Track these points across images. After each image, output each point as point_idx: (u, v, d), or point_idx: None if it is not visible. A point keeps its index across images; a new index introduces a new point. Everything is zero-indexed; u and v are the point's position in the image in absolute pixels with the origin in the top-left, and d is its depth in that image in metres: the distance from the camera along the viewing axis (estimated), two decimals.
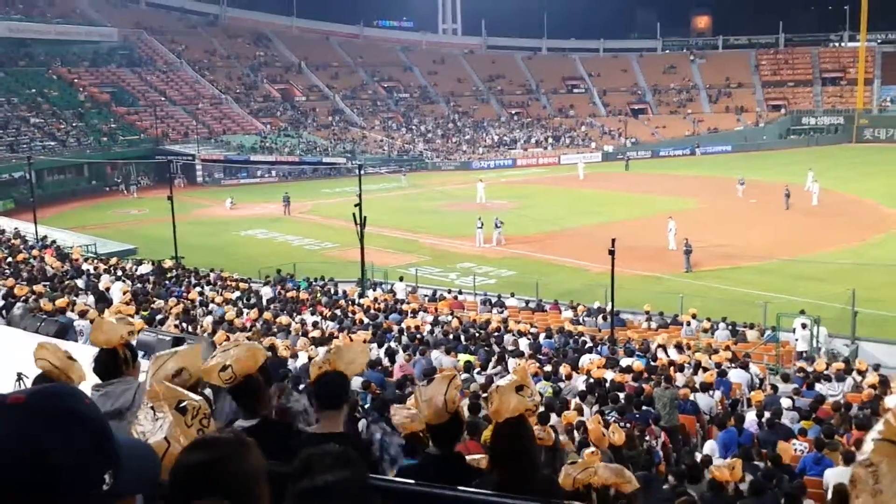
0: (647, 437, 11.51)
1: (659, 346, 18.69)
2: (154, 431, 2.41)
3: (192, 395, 2.67)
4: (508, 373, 14.14)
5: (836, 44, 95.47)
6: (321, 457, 2.22)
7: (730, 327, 21.74)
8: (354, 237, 27.48)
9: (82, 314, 14.69)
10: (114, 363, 4.27)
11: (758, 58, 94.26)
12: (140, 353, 4.84)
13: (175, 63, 79.72)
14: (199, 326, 16.87)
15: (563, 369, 14.75)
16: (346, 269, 29.95)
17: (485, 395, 8.95)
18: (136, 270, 25.82)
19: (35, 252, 26.55)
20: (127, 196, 56.69)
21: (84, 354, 5.01)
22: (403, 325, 19.44)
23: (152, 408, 2.51)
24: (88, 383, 4.49)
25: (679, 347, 18.83)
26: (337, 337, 16.42)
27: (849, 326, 22.25)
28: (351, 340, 16.24)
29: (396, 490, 2.73)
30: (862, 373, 16.74)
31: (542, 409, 11.41)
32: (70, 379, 4.34)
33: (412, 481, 3.18)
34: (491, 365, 14.85)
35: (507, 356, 15.72)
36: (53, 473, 1.40)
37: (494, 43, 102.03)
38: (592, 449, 5.65)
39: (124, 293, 19.43)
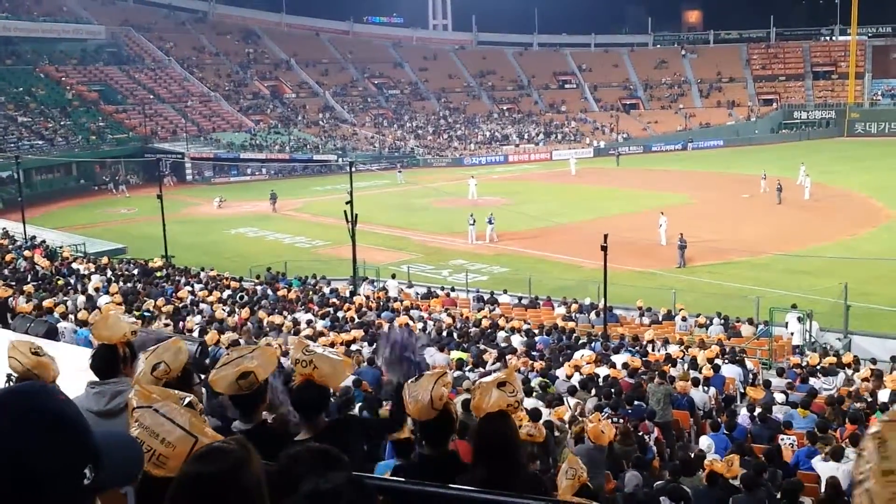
0: (641, 433, 11.48)
1: (650, 341, 18.69)
2: (172, 430, 2.37)
3: (184, 392, 2.65)
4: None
5: (827, 38, 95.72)
6: (303, 456, 2.17)
7: (723, 322, 21.74)
8: (346, 235, 27.37)
9: (64, 316, 14.55)
10: (113, 360, 4.21)
11: (749, 52, 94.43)
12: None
13: (163, 60, 79.32)
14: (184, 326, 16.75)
15: (565, 370, 14.70)
16: (338, 266, 29.86)
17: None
18: (129, 270, 25.66)
19: (27, 253, 26.35)
20: (116, 195, 56.38)
21: (67, 356, 4.91)
22: (396, 323, 19.35)
23: (155, 409, 2.44)
24: (73, 374, 4.41)
25: (668, 342, 18.82)
26: (325, 335, 16.31)
27: (840, 320, 22.29)
28: (341, 340, 16.17)
29: (390, 489, 2.70)
30: (854, 366, 16.76)
31: (535, 405, 11.36)
32: (44, 377, 4.27)
33: (405, 479, 3.15)
34: (489, 363, 14.78)
35: (506, 354, 15.67)
36: (31, 471, 1.38)
37: (485, 38, 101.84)
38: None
39: (112, 294, 19.27)
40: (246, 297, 22.19)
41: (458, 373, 13.85)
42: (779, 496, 8.33)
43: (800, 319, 20.99)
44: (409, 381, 3.73)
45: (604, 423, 10.00)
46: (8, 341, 4.71)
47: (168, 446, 2.33)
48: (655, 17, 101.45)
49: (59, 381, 4.35)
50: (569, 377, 14.35)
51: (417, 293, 26.33)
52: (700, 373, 15.10)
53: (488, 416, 3.42)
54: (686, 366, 15.77)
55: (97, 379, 4.19)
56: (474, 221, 36.66)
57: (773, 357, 20.42)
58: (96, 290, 19.90)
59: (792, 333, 21.13)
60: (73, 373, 4.53)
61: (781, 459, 10.06)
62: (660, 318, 22.92)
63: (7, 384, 4.73)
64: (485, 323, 20.26)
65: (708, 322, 21.97)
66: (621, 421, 11.21)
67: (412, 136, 76.85)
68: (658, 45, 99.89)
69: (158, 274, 25.10)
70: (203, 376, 4.10)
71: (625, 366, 15.26)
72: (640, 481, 8.26)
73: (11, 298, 16.16)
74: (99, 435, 1.56)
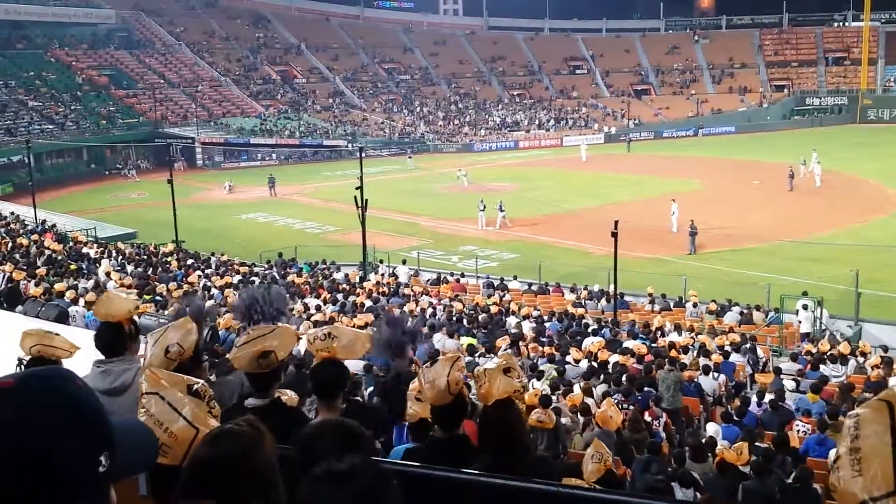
0: (649, 419, 11.47)
1: (658, 328, 18.65)
2: (175, 419, 2.38)
3: (194, 378, 2.65)
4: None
5: (840, 23, 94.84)
6: (325, 432, 2.15)
7: (741, 312, 21.64)
8: (356, 220, 27.39)
9: (75, 300, 14.62)
10: (118, 338, 4.26)
11: (761, 38, 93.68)
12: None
13: (174, 45, 79.32)
14: None
15: (575, 353, 14.68)
16: (348, 252, 29.89)
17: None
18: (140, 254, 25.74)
19: (35, 237, 26.50)
20: (126, 179, 56.55)
21: (78, 340, 4.94)
22: (406, 309, 19.38)
23: (161, 396, 2.46)
24: (83, 357, 4.44)
25: (682, 329, 18.78)
26: (336, 320, 16.34)
27: (851, 307, 22.18)
28: (352, 324, 16.19)
29: (402, 473, 2.70)
30: (865, 355, 16.70)
31: (546, 391, 11.36)
32: (64, 351, 4.31)
33: (418, 464, 3.17)
34: (501, 350, 14.78)
35: (518, 341, 15.67)
36: (47, 457, 1.37)
37: (496, 23, 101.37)
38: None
39: (118, 280, 19.33)
40: (256, 282, 22.24)
41: (468, 358, 13.87)
42: (791, 482, 8.32)
43: (805, 307, 20.86)
44: (424, 367, 3.74)
45: (612, 409, 10.00)
46: (18, 326, 4.73)
47: (171, 436, 2.34)
48: (667, 3, 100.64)
49: (69, 363, 4.38)
50: (577, 361, 14.34)
51: (428, 279, 26.35)
52: (710, 359, 15.06)
53: (494, 402, 3.43)
54: (695, 353, 15.74)
55: (103, 358, 4.23)
56: (484, 207, 36.61)
57: (784, 344, 20.36)
58: (107, 274, 19.99)
59: (800, 321, 21.03)
60: (84, 356, 4.56)
61: (790, 447, 10.04)
62: (670, 305, 22.87)
63: (18, 368, 4.76)
64: (494, 309, 20.26)
65: (719, 309, 21.91)
66: (631, 408, 11.19)
67: (422, 122, 76.69)
68: (670, 31, 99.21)
69: (168, 259, 25.20)
70: (215, 359, 4.15)
71: (632, 353, 15.24)
72: (659, 468, 8.29)
73: (23, 282, 16.27)
74: (115, 423, 1.55)
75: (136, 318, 4.54)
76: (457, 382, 3.57)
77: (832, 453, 9.71)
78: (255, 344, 3.75)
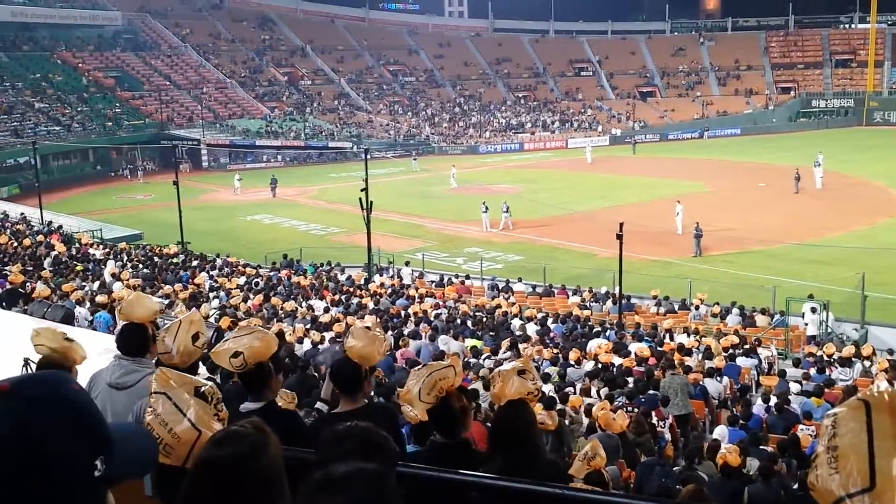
0: (655, 420, 11.45)
1: (667, 330, 18.62)
2: (180, 420, 2.38)
3: (202, 380, 2.65)
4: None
5: (846, 25, 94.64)
6: (348, 436, 2.14)
7: (743, 313, 21.59)
8: (361, 222, 27.41)
9: (80, 301, 14.65)
10: (142, 339, 4.31)
11: (767, 40, 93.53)
12: None
13: (180, 47, 79.47)
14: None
15: (573, 354, 14.66)
16: (353, 254, 29.90)
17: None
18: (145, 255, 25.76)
19: (41, 238, 26.56)
20: (132, 181, 56.67)
21: (82, 341, 4.94)
22: (410, 311, 19.39)
23: (168, 396, 2.46)
24: (91, 363, 4.45)
25: (687, 332, 18.74)
26: (340, 321, 16.34)
27: (857, 310, 22.10)
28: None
29: (404, 475, 2.70)
30: (870, 358, 16.64)
31: (549, 393, 11.35)
32: (72, 360, 4.34)
33: (416, 464, 3.16)
34: (502, 351, 14.78)
35: (518, 342, 15.65)
36: (42, 460, 1.37)
37: (501, 25, 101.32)
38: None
39: (126, 281, 19.36)
40: (261, 284, 22.28)
41: (473, 360, 13.88)
42: (797, 486, 8.30)
43: (813, 310, 20.83)
44: (413, 369, 3.77)
45: (618, 413, 9.99)
46: (29, 327, 4.73)
47: (174, 437, 2.34)
48: (673, 4, 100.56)
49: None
50: (577, 363, 14.31)
51: (432, 281, 26.35)
52: (712, 361, 15.02)
53: (508, 403, 3.41)
54: (700, 356, 15.70)
55: (122, 355, 4.28)
56: (487, 209, 36.61)
57: (790, 347, 20.31)
58: (113, 275, 20.03)
59: (806, 324, 20.98)
60: (89, 357, 4.56)
61: (799, 450, 10.01)
62: (675, 308, 22.83)
63: (25, 369, 4.77)
64: (499, 311, 20.24)
65: (723, 311, 21.87)
66: (635, 410, 11.17)
67: (427, 124, 76.70)
68: (675, 33, 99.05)
69: (174, 260, 25.25)
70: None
71: (636, 356, 15.21)
72: (664, 471, 8.26)
73: (28, 283, 16.30)
74: (113, 427, 1.55)
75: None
76: (429, 391, 3.54)
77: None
78: (233, 342, 3.80)
